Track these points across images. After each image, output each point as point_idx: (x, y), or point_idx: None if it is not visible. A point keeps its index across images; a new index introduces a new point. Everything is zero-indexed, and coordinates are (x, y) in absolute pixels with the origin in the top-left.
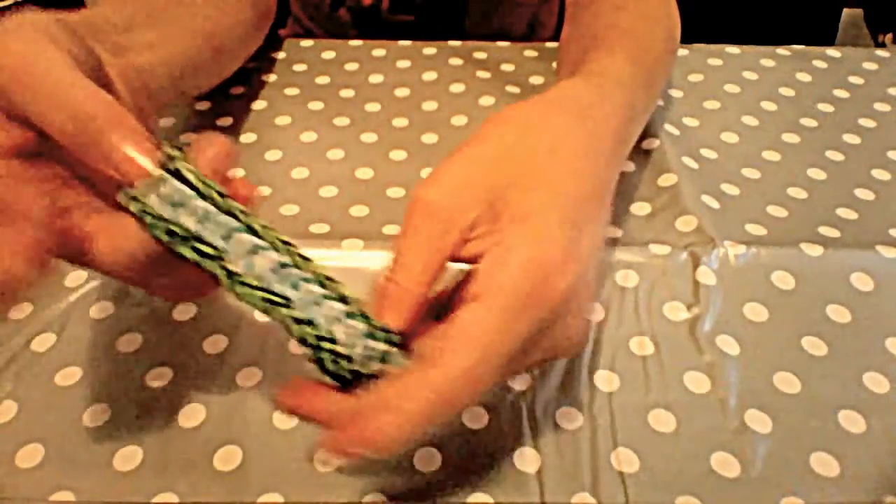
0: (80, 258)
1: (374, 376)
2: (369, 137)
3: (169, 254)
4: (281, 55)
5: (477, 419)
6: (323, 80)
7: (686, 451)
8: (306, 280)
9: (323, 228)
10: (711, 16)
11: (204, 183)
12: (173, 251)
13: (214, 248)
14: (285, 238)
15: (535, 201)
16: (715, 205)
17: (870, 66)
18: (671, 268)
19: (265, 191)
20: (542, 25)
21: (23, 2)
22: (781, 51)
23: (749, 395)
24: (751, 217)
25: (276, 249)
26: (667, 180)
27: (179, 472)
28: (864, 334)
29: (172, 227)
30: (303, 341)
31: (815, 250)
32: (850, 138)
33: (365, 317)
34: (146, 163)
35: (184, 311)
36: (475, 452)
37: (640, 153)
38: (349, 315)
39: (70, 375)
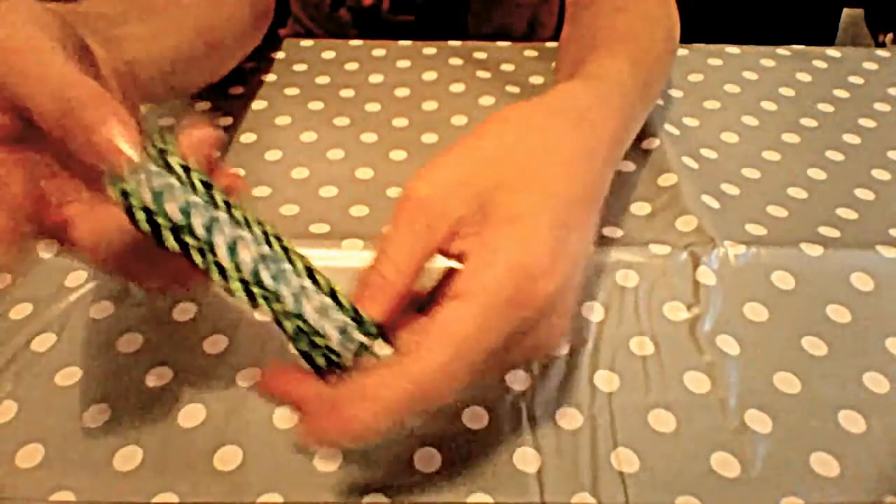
0: (63, 242)
1: (353, 366)
2: (369, 137)
3: (152, 243)
4: (281, 55)
5: (477, 419)
6: (323, 80)
7: (686, 451)
8: (291, 271)
9: (323, 228)
10: (711, 16)
11: (189, 171)
12: (157, 240)
13: (197, 237)
14: (270, 228)
15: (526, 203)
16: (715, 205)
17: (870, 66)
18: (671, 268)
19: (265, 191)
20: (542, 25)
21: None
22: (781, 51)
23: (749, 395)
24: (751, 217)
25: (262, 240)
26: (667, 180)
27: (179, 472)
28: (864, 334)
29: (155, 216)
30: (285, 331)
31: (815, 250)
32: (850, 138)
33: (348, 308)
34: (130, 150)
35: (184, 311)
36: (475, 452)
37: (640, 153)
38: (333, 306)
39: (70, 375)
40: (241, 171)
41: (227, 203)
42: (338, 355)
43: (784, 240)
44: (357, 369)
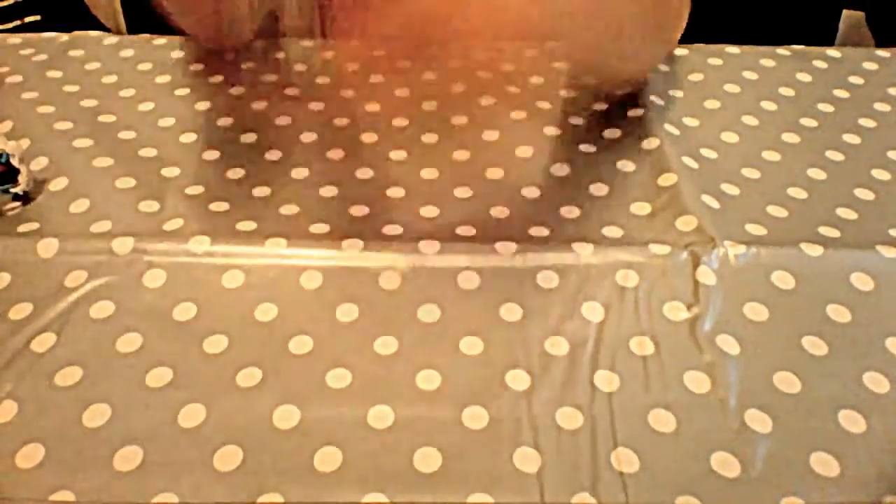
0: None
1: None
2: (369, 137)
3: None
4: (281, 55)
5: (477, 419)
6: (323, 79)
7: (686, 451)
8: None
9: (323, 228)
10: (711, 16)
11: None
12: None
13: None
14: None
15: None
16: (715, 204)
17: (870, 66)
18: (671, 267)
19: (265, 191)
20: None
21: (25, 2)
22: (781, 51)
23: (749, 395)
24: (751, 217)
25: None
26: (667, 180)
27: (179, 472)
28: (865, 334)
29: None
30: None
31: (815, 250)
32: (850, 138)
33: None
34: None
35: (184, 311)
36: (475, 452)
37: (640, 153)
38: None
39: (70, 375)
40: (242, 171)
41: None
42: None
43: (784, 240)
44: None
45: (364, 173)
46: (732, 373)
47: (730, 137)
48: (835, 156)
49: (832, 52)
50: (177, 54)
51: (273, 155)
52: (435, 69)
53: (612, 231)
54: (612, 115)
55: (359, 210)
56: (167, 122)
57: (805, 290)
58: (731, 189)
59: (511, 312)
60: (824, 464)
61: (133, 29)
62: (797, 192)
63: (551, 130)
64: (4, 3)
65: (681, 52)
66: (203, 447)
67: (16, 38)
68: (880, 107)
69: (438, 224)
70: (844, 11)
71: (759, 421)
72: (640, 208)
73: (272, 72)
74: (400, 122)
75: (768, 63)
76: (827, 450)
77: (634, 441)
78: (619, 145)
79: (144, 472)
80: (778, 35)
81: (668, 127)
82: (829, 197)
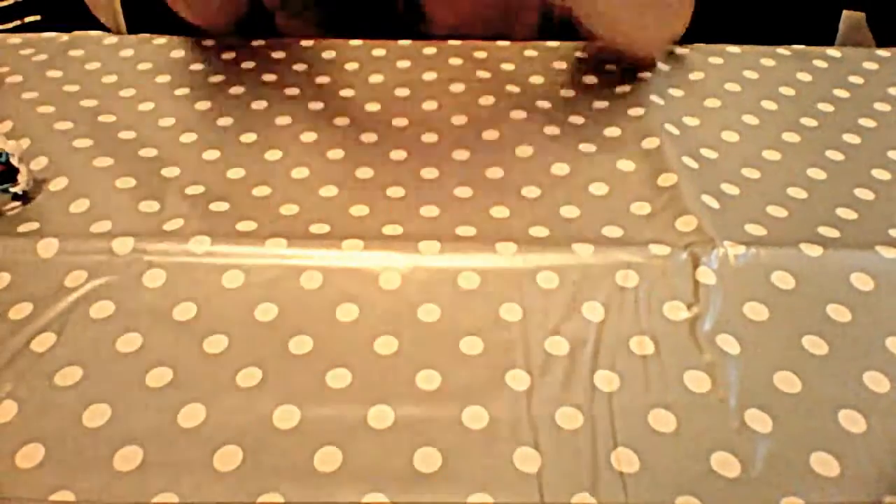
0: None
1: None
2: (369, 137)
3: None
4: (281, 55)
5: (477, 419)
6: (323, 79)
7: (686, 451)
8: None
9: (323, 229)
10: (711, 16)
11: None
12: None
13: None
14: None
15: None
16: (715, 205)
17: (870, 65)
18: (671, 268)
19: (265, 191)
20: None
21: (25, 2)
22: (781, 51)
23: (749, 395)
24: (751, 217)
25: None
26: (667, 180)
27: (179, 472)
28: (865, 334)
29: None
30: None
31: (814, 250)
32: (850, 138)
33: None
34: None
35: (184, 311)
36: (475, 452)
37: (640, 153)
38: None
39: (70, 375)
40: (242, 172)
41: None
42: None
43: (784, 240)
44: None
45: (364, 173)
46: (732, 373)
47: (730, 137)
48: (835, 155)
49: (832, 51)
50: (177, 54)
51: (273, 155)
52: (435, 69)
53: (612, 231)
54: (613, 114)
55: (359, 210)
56: (167, 122)
57: (805, 290)
58: (731, 189)
59: (511, 312)
60: (824, 464)
61: (133, 29)
62: (797, 192)
63: (551, 130)
64: (4, 3)
65: (681, 51)
66: (203, 447)
67: (16, 38)
68: (880, 107)
69: (438, 224)
70: (845, 12)
71: (759, 421)
72: (640, 208)
73: (272, 72)
74: (400, 121)
75: (768, 63)
76: (827, 450)
77: (634, 441)
78: (618, 145)
79: (144, 472)
80: (778, 35)
81: (668, 126)
82: (828, 197)
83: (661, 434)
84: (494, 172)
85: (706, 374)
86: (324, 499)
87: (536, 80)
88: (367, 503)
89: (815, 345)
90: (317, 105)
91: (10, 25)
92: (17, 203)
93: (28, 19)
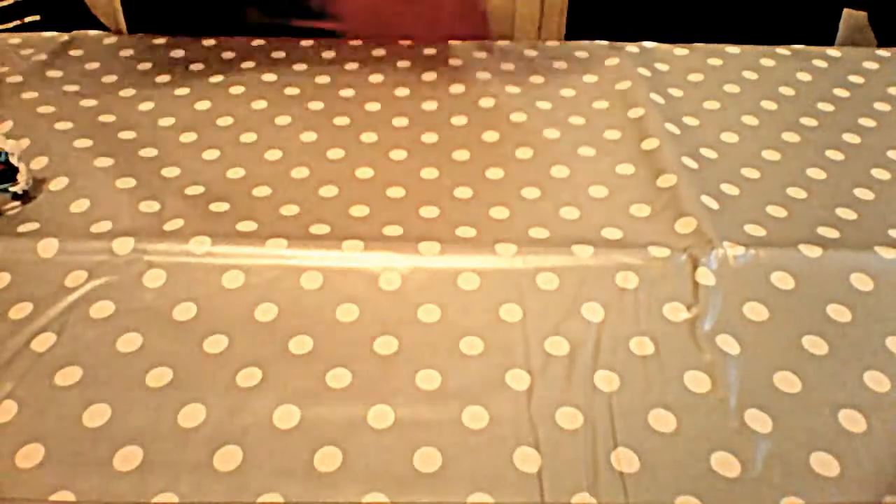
0: None
1: None
2: (369, 137)
3: None
4: (281, 55)
5: (477, 419)
6: (323, 79)
7: (686, 451)
8: None
9: (323, 229)
10: (711, 16)
11: None
12: None
13: None
14: None
15: None
16: (714, 205)
17: (870, 65)
18: (671, 269)
19: (265, 191)
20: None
21: (25, 2)
22: (781, 51)
23: (749, 395)
24: (750, 218)
25: None
26: (666, 181)
27: (179, 472)
28: (865, 334)
29: None
30: None
31: (814, 252)
32: (850, 138)
33: None
34: None
35: (184, 311)
36: (475, 452)
37: (640, 154)
38: None
39: (70, 375)
40: (242, 172)
41: None
42: None
43: (783, 241)
44: None
45: (364, 173)
46: (732, 373)
47: (730, 137)
48: (835, 155)
49: (832, 51)
50: (177, 54)
51: (273, 155)
52: (435, 69)
53: (611, 233)
54: (612, 114)
55: (359, 210)
56: (167, 122)
57: (805, 290)
58: (730, 189)
59: (511, 313)
60: (824, 464)
61: (133, 29)
62: (797, 192)
63: (551, 131)
64: (4, 3)
65: (681, 52)
66: (203, 447)
67: (16, 38)
68: (880, 106)
69: (438, 225)
70: (846, 11)
71: (759, 421)
72: (640, 210)
73: (272, 72)
74: (400, 121)
75: (768, 63)
76: (827, 450)
77: (634, 441)
78: (618, 146)
79: (144, 472)
80: (778, 35)
81: (668, 126)
82: (828, 197)
83: (661, 434)
84: (494, 173)
85: (706, 374)
86: (324, 499)
87: (536, 79)
88: (367, 503)
89: (815, 345)
90: (317, 105)
91: (10, 25)
92: (17, 203)
93: (28, 19)
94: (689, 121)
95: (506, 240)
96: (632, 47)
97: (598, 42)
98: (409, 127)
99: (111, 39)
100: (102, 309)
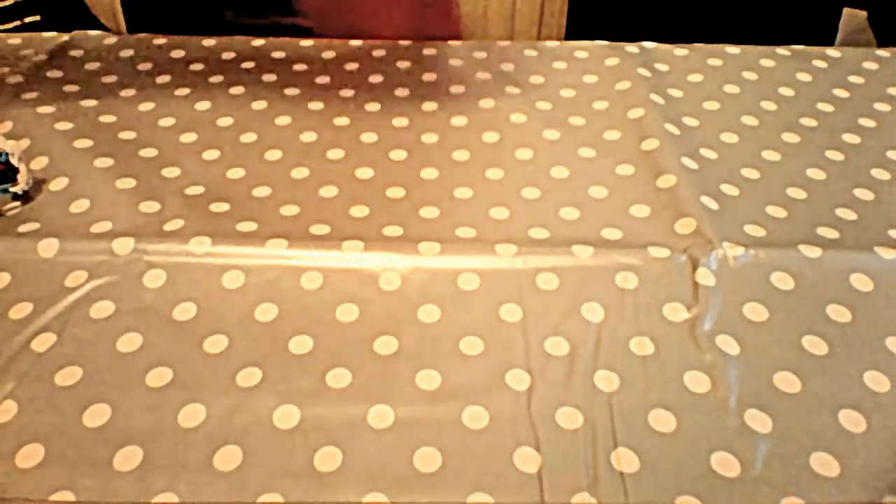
0: None
1: None
2: (369, 137)
3: None
4: (281, 55)
5: (477, 419)
6: (322, 79)
7: (686, 451)
8: None
9: (323, 230)
10: (711, 16)
11: None
12: None
13: None
14: None
15: None
16: (714, 206)
17: (870, 65)
18: (670, 270)
19: (265, 191)
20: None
21: (25, 2)
22: (781, 51)
23: (749, 395)
24: (750, 218)
25: None
26: (666, 182)
27: (179, 472)
28: (865, 334)
29: None
30: None
31: (813, 252)
32: (850, 138)
33: None
34: None
35: (184, 311)
36: (475, 452)
37: (640, 154)
38: None
39: (70, 375)
40: (242, 172)
41: None
42: None
43: (783, 241)
44: None
45: (364, 173)
46: (732, 373)
47: (729, 138)
48: (835, 156)
49: (832, 52)
50: (177, 54)
51: (273, 155)
52: (435, 70)
53: (611, 233)
54: (612, 115)
55: (359, 211)
56: (167, 122)
57: (805, 290)
58: (730, 189)
59: (511, 313)
60: (824, 464)
61: (133, 29)
62: (797, 193)
63: (551, 132)
64: (4, 4)
65: (681, 52)
66: (203, 447)
67: (16, 38)
68: (880, 107)
69: (438, 225)
70: (846, 10)
71: (759, 421)
72: (640, 210)
73: (272, 72)
74: (400, 121)
75: (768, 63)
76: (827, 450)
77: (634, 441)
78: (618, 147)
79: (144, 472)
80: (778, 35)
81: (668, 127)
82: (828, 197)
83: (661, 434)
84: (494, 173)
85: (706, 374)
86: (324, 499)
87: (536, 79)
88: (367, 503)
89: (815, 345)
90: (317, 105)
91: (10, 25)
92: (17, 203)
93: (28, 19)
94: (689, 121)
95: (506, 240)
96: (632, 47)
97: (598, 42)
98: (409, 127)
99: (111, 39)
100: (102, 309)
